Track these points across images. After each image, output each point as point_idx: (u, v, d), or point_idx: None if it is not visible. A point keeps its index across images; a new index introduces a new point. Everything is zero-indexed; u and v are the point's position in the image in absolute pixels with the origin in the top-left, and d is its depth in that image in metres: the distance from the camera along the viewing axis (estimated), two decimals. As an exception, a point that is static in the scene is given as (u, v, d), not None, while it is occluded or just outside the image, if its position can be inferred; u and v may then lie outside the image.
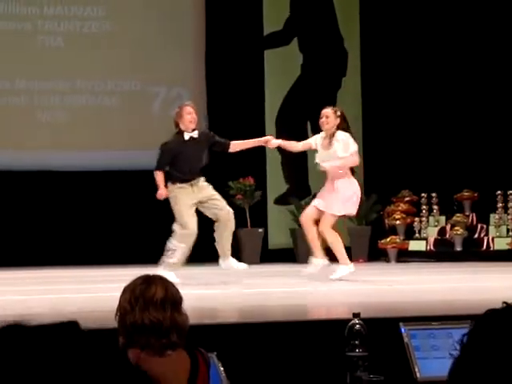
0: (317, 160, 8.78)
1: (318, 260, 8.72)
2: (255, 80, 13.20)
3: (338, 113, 8.75)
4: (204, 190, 8.47)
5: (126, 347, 3.01)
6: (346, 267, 8.56)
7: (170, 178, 8.52)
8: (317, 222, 8.78)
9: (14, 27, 12.47)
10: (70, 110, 12.53)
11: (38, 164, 12.29)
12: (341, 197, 8.56)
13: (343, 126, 8.72)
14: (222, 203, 8.50)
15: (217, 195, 8.54)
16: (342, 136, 8.64)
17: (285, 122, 13.41)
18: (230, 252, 8.51)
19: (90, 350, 1.75)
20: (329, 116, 8.73)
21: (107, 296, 6.36)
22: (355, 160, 8.68)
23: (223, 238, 8.46)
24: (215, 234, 8.51)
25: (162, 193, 8.47)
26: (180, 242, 8.33)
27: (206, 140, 8.67)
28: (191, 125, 8.50)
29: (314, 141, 8.90)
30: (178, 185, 8.43)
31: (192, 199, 8.39)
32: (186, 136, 8.48)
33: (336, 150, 8.59)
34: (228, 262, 8.48)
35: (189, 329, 3.05)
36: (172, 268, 8.17)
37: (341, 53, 13.77)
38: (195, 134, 8.52)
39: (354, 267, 8.53)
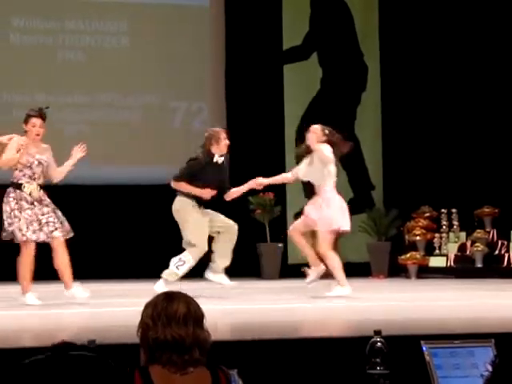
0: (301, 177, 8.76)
1: (315, 268, 8.67)
2: (275, 94, 13.21)
3: (326, 131, 8.65)
4: (208, 212, 8.57)
5: (147, 363, 3.00)
6: (342, 289, 8.45)
7: (184, 194, 8.56)
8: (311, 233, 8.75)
9: (35, 41, 12.54)
10: (90, 124, 12.57)
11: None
12: (330, 212, 8.49)
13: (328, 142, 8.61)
14: (226, 218, 8.57)
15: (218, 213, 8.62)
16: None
17: (305, 137, 13.38)
18: (224, 267, 8.55)
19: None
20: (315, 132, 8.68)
21: (121, 311, 6.36)
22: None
23: (225, 250, 8.48)
24: (216, 246, 8.53)
25: (207, 191, 8.50)
26: (190, 257, 8.36)
27: (226, 169, 8.73)
28: (225, 150, 8.55)
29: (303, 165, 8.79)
30: (191, 202, 8.47)
31: (203, 216, 8.48)
32: (216, 159, 8.51)
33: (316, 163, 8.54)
34: (219, 276, 8.49)
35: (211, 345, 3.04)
36: (173, 279, 8.27)
37: (360, 67, 13.76)
38: (221, 160, 8.56)
39: (350, 290, 8.40)
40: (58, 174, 8.05)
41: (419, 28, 13.31)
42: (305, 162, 8.71)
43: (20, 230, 7.55)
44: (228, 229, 8.50)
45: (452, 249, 12.47)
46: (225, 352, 4.02)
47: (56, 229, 7.68)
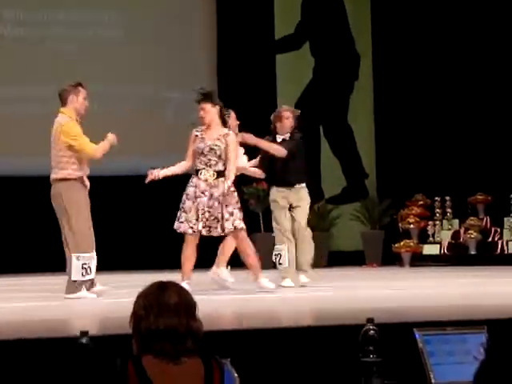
0: None
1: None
2: (267, 84, 13.21)
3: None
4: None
5: (140, 354, 3.01)
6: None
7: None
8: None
9: (25, 33, 12.50)
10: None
11: (46, 170, 12.31)
12: None
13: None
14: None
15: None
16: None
17: (297, 126, 13.39)
18: None
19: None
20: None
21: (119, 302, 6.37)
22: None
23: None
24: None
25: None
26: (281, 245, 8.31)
27: None
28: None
29: None
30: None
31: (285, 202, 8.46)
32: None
33: None
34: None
35: (203, 335, 3.05)
36: (285, 273, 8.24)
37: (352, 56, 13.76)
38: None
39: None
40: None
41: (411, 16, 13.30)
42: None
43: None
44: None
45: (445, 236, 12.50)
46: (218, 341, 4.03)
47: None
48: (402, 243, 12.35)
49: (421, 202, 12.92)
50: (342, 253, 12.93)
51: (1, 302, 7.12)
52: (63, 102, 7.51)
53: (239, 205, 7.73)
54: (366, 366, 3.91)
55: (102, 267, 11.28)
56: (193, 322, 3.03)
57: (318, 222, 13.07)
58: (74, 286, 7.25)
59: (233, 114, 8.58)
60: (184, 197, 7.66)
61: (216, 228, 7.58)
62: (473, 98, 12.97)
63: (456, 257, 12.06)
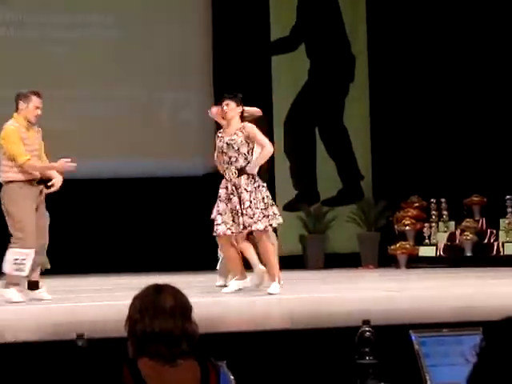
0: None
1: None
2: (263, 86, 13.20)
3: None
4: None
5: (135, 356, 3.01)
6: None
7: None
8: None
9: (19, 35, 12.47)
10: (75, 117, 12.50)
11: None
12: None
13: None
14: None
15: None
16: None
17: (293, 128, 13.40)
18: None
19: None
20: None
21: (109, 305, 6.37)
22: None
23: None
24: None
25: None
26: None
27: None
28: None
29: None
30: None
31: None
32: None
33: None
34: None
35: (199, 337, 3.05)
36: None
37: (348, 58, 13.76)
38: None
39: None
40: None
41: (407, 18, 13.30)
42: None
43: None
44: None
45: (441, 238, 12.50)
46: (214, 344, 4.03)
47: None
48: (397, 245, 12.35)
49: (416, 204, 12.92)
50: (338, 255, 12.93)
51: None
52: (16, 107, 7.53)
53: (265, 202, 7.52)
54: (362, 367, 3.91)
55: (101, 270, 11.36)
56: (188, 324, 3.03)
57: (314, 224, 13.07)
58: (7, 282, 7.20)
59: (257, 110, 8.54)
60: (218, 200, 7.65)
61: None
62: (468, 101, 12.97)
63: (452, 258, 12.05)
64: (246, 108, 8.20)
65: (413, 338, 4.19)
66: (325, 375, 4.46)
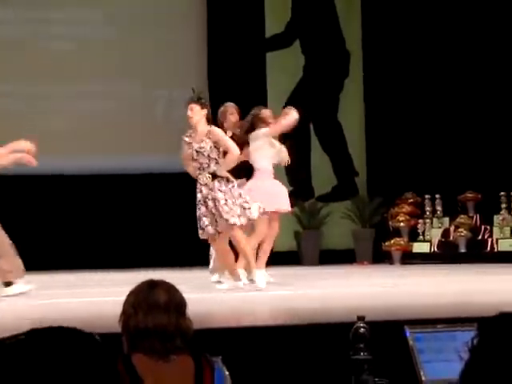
0: None
1: None
2: (257, 82, 13.19)
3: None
4: None
5: (130, 352, 3.00)
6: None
7: None
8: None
9: (16, 32, 12.46)
10: (72, 113, 12.49)
11: (41, 168, 12.27)
12: None
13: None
14: None
15: None
16: None
17: (288, 125, 13.37)
18: None
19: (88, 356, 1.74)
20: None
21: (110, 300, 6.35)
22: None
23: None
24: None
25: None
26: None
27: None
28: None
29: None
30: None
31: None
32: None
33: None
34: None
35: (193, 333, 3.04)
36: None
37: (343, 54, 13.76)
38: None
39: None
40: None
41: (402, 14, 13.30)
42: None
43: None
44: None
45: (435, 234, 12.51)
46: (208, 339, 4.03)
47: None
48: (392, 241, 12.36)
49: (411, 200, 12.93)
50: (333, 251, 12.94)
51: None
52: None
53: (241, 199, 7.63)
54: (356, 363, 3.91)
55: (98, 266, 11.35)
56: (182, 320, 3.03)
57: (309, 221, 13.07)
58: None
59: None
60: (197, 204, 7.69)
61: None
62: (463, 97, 12.97)
63: (446, 255, 12.07)
64: (284, 122, 8.27)
65: (407, 333, 4.19)
66: (319, 371, 4.46)
